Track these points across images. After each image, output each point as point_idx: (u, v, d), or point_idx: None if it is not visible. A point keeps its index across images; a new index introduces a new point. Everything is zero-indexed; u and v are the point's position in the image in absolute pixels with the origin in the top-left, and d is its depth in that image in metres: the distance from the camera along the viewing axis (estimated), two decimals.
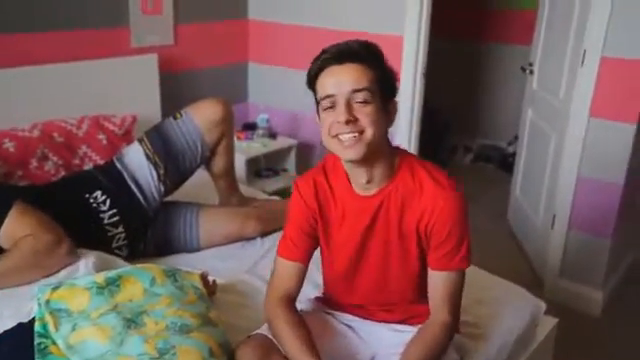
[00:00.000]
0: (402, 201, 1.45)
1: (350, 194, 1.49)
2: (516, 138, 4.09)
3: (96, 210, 2.15)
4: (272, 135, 3.54)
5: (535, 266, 3.22)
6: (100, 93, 2.92)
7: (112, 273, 1.63)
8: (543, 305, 2.06)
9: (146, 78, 3.12)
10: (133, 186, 2.24)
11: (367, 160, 1.39)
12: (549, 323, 2.11)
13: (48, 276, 1.84)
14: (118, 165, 2.30)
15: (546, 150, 3.13)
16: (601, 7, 2.54)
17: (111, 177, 2.25)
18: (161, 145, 2.30)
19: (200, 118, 2.33)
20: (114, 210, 2.17)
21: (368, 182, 1.45)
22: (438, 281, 1.46)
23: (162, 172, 2.27)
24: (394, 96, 1.44)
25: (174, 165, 2.31)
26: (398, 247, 1.49)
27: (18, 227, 1.87)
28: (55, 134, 2.65)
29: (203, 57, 3.51)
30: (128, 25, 3.07)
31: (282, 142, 3.55)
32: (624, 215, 2.86)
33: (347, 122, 1.33)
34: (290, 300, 1.54)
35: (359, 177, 1.45)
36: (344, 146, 1.36)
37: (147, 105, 3.13)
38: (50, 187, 2.29)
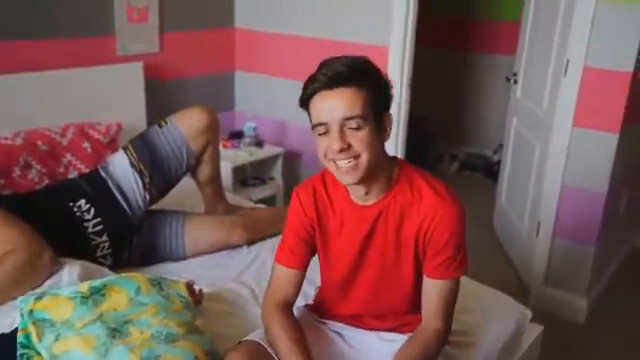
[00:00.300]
0: (401, 211, 1.45)
1: (349, 204, 1.50)
2: (501, 146, 4.13)
3: (80, 219, 2.13)
4: (259, 143, 3.54)
5: (520, 274, 3.24)
6: (85, 101, 2.90)
7: (96, 282, 1.62)
8: (529, 313, 2.07)
9: (131, 86, 3.11)
10: (118, 194, 2.23)
11: (364, 180, 1.40)
12: (535, 330, 2.12)
13: (33, 288, 1.81)
14: (103, 173, 2.28)
15: (531, 159, 3.16)
16: (583, 18, 2.57)
17: (95, 185, 2.24)
18: (146, 153, 2.29)
19: (185, 126, 2.33)
20: (98, 219, 2.16)
21: (366, 194, 1.45)
22: (433, 289, 1.47)
23: (147, 180, 2.26)
24: (389, 108, 1.43)
25: (159, 173, 2.29)
26: (394, 257, 1.50)
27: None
28: (39, 142, 2.63)
29: (189, 65, 3.50)
30: (114, 33, 3.06)
31: (269, 150, 3.55)
32: (607, 223, 2.89)
33: (341, 150, 1.33)
34: (287, 306, 1.54)
35: (357, 190, 1.46)
36: (341, 172, 1.37)
37: (132, 113, 3.12)
38: (33, 196, 2.26)
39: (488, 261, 3.35)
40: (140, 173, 2.25)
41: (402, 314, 1.59)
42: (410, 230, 1.45)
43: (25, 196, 2.26)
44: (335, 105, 1.32)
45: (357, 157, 1.35)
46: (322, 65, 1.37)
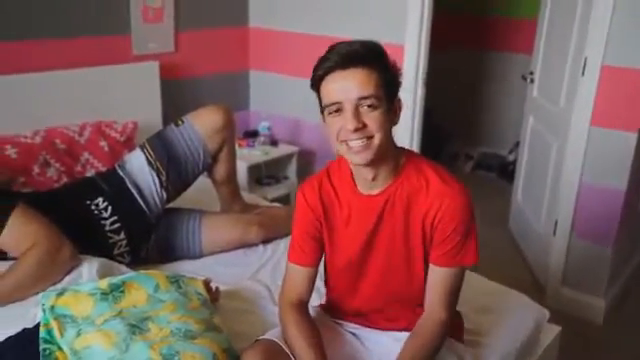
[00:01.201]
0: (408, 198, 1.45)
1: (355, 194, 1.50)
2: (517, 145, 4.11)
3: (97, 217, 2.16)
4: (273, 142, 3.55)
5: (537, 274, 3.22)
6: (102, 100, 2.92)
7: (115, 279, 1.63)
8: (547, 313, 2.06)
9: (147, 85, 3.13)
10: (135, 193, 2.25)
11: (374, 161, 1.39)
12: (552, 331, 2.11)
13: (54, 284, 1.84)
14: (120, 172, 2.30)
15: (547, 157, 3.14)
16: (602, 15, 2.55)
17: (113, 184, 2.26)
18: (163, 152, 2.31)
19: (201, 125, 2.34)
20: (115, 217, 2.18)
21: (373, 179, 1.45)
22: (437, 277, 1.47)
23: (164, 179, 2.28)
24: (397, 93, 1.43)
25: (176, 172, 2.31)
26: (403, 246, 1.49)
27: (19, 233, 1.88)
28: (57, 141, 2.66)
29: (204, 64, 3.52)
30: (129, 33, 3.09)
31: (283, 149, 3.56)
32: (626, 223, 2.87)
33: (356, 130, 1.33)
34: (302, 304, 1.55)
35: (365, 174, 1.45)
36: (353, 151, 1.37)
37: (148, 112, 3.14)
38: (51, 194, 2.29)
39: (504, 261, 3.34)
40: (157, 171, 2.27)
41: (413, 312, 1.58)
42: (417, 217, 1.45)
43: (44, 195, 2.28)
44: (350, 85, 1.31)
45: (370, 137, 1.35)
46: (332, 47, 1.37)
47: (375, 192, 1.47)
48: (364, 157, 1.36)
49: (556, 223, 2.96)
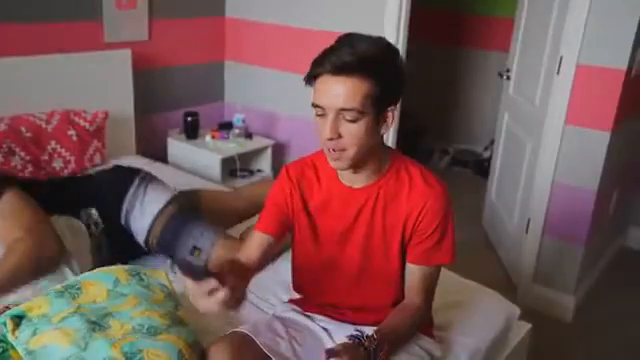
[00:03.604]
0: (390, 197, 1.46)
1: (337, 184, 1.50)
2: (492, 143, 4.12)
3: (86, 224, 2.09)
4: (248, 135, 3.52)
5: (509, 271, 3.24)
6: (71, 88, 2.88)
7: (70, 280, 1.59)
8: (517, 310, 2.06)
9: (119, 74, 3.09)
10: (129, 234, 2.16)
11: (351, 167, 1.40)
12: (523, 328, 2.11)
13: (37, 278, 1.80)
14: (123, 216, 2.16)
15: (522, 155, 3.15)
16: (578, 15, 2.56)
17: (112, 215, 2.15)
18: (167, 242, 2.12)
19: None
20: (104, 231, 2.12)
21: (355, 173, 1.45)
22: (415, 274, 1.49)
23: (152, 247, 2.16)
24: (396, 102, 1.39)
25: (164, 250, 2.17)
26: (380, 242, 1.50)
27: (5, 220, 1.87)
28: (23, 129, 2.61)
29: (178, 54, 3.49)
30: (101, 19, 3.03)
31: (258, 142, 3.52)
32: (597, 222, 2.89)
33: (330, 139, 1.32)
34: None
35: (345, 172, 1.46)
36: (330, 157, 1.38)
37: (120, 101, 3.11)
38: (52, 186, 2.25)
39: (476, 258, 3.34)
40: (147, 243, 2.14)
41: (385, 307, 1.58)
42: (398, 216, 1.46)
43: (45, 184, 2.26)
44: (335, 93, 1.29)
45: (343, 150, 1.34)
46: (343, 37, 1.35)
47: (357, 186, 1.48)
48: (338, 165, 1.39)
49: (529, 221, 2.97)
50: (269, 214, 1.57)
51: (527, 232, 2.98)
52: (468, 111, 5.12)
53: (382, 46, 1.34)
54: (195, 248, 2.07)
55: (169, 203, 2.14)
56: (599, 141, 2.66)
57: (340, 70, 1.28)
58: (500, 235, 3.47)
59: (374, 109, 1.33)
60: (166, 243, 2.09)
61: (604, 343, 2.76)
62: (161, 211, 2.11)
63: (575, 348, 2.70)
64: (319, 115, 1.35)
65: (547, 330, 2.72)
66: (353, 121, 1.31)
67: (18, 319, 1.43)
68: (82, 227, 2.04)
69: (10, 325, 1.41)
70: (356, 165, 1.40)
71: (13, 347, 1.39)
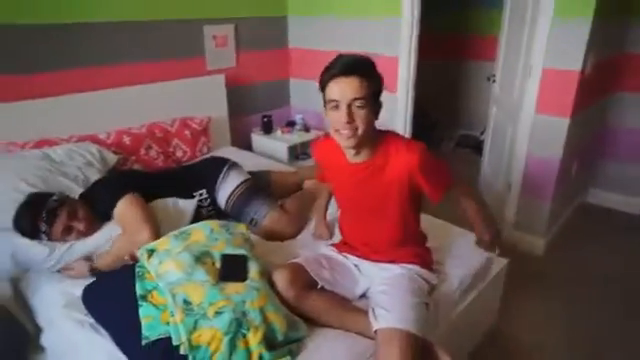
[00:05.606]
0: (383, 165, 1.44)
1: (344, 161, 1.50)
2: (485, 129, 3.97)
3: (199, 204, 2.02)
4: (306, 129, 3.53)
5: (497, 221, 3.14)
6: (186, 102, 2.94)
7: (183, 228, 1.63)
8: (496, 249, 2.02)
9: (217, 90, 3.13)
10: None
11: (358, 145, 1.40)
12: (501, 262, 2.08)
13: None
14: (216, 189, 2.09)
15: (505, 137, 3.03)
16: (542, 32, 2.43)
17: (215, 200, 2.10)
18: (237, 209, 2.06)
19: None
20: (212, 210, 2.08)
21: (357, 154, 1.45)
22: (444, 194, 1.46)
23: (228, 211, 2.08)
24: (379, 96, 1.39)
25: (235, 215, 2.07)
26: (381, 199, 1.49)
27: (124, 214, 1.76)
28: (156, 131, 2.70)
29: (257, 75, 3.50)
30: (204, 55, 3.09)
31: (313, 134, 3.52)
32: (560, 183, 2.76)
33: (347, 122, 1.32)
34: None
35: (350, 152, 1.45)
36: (343, 137, 1.37)
37: (218, 109, 3.14)
38: (169, 174, 2.18)
39: None
40: (225, 207, 2.08)
41: (394, 247, 1.58)
42: (393, 174, 1.43)
43: (159, 174, 2.17)
44: (346, 87, 1.30)
45: (356, 129, 1.34)
46: (339, 57, 1.35)
47: (359, 161, 1.47)
48: (351, 142, 1.37)
49: (510, 184, 2.87)
50: (321, 175, 1.70)
51: (509, 192, 2.89)
52: (468, 106, 4.93)
53: (369, 60, 1.36)
54: (252, 219, 2.02)
55: (243, 183, 2.09)
56: (561, 125, 2.53)
57: (348, 71, 1.30)
58: (490, 195, 3.37)
59: (372, 99, 1.34)
60: (236, 210, 2.05)
61: (564, 272, 2.66)
62: (237, 186, 2.07)
63: (544, 277, 2.62)
64: (333, 107, 1.34)
65: (523, 263, 2.64)
66: (362, 107, 1.31)
67: (150, 252, 1.50)
68: (187, 206, 1.93)
69: (145, 255, 1.48)
70: (360, 144, 1.39)
71: (148, 271, 1.47)
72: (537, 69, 2.52)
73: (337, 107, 1.33)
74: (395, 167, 1.42)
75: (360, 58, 1.34)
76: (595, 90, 2.82)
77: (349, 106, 1.31)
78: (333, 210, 1.94)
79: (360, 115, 1.32)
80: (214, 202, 2.08)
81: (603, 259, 2.77)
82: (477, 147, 4.58)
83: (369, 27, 3.13)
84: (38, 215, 1.70)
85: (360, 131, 1.34)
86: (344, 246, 1.69)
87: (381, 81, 1.38)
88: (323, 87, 1.36)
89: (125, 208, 1.75)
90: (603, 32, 2.54)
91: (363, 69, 1.32)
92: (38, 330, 1.60)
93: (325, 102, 1.38)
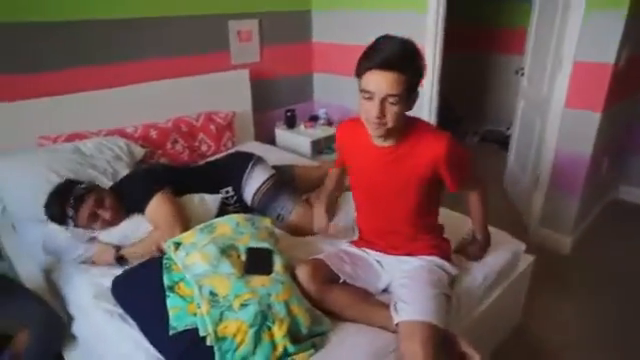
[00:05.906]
0: (409, 152, 1.42)
1: (371, 144, 1.47)
2: (512, 124, 3.88)
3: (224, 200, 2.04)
4: (329, 123, 3.52)
5: (523, 217, 3.08)
6: (211, 97, 2.96)
7: (208, 222, 1.64)
8: (523, 246, 1.98)
9: (242, 85, 3.14)
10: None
11: (384, 136, 1.39)
12: (528, 259, 2.04)
13: None
14: (242, 183, 2.10)
15: (533, 131, 2.95)
16: (574, 23, 2.35)
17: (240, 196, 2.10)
18: (263, 205, 2.07)
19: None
20: (237, 205, 2.09)
21: (384, 140, 1.43)
22: (459, 185, 1.48)
23: (255, 206, 2.09)
24: (417, 88, 1.35)
25: (261, 209, 2.09)
26: (402, 185, 1.46)
27: (156, 212, 1.77)
28: (182, 125, 2.72)
29: (280, 69, 3.50)
30: (229, 50, 3.11)
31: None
32: (590, 180, 2.67)
33: (377, 117, 1.31)
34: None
35: (377, 137, 1.44)
36: (371, 127, 1.36)
37: (242, 104, 3.15)
38: (198, 170, 2.18)
39: (498, 208, 3.20)
40: (252, 202, 2.09)
41: (411, 238, 1.56)
42: (419, 163, 1.41)
43: (186, 170, 2.16)
44: (382, 82, 1.26)
45: (385, 124, 1.32)
46: (381, 42, 1.29)
47: (386, 145, 1.44)
48: (378, 133, 1.36)
49: (537, 179, 2.80)
50: (339, 158, 1.70)
51: (536, 188, 2.82)
52: (494, 100, 4.82)
53: (412, 48, 1.30)
54: (279, 215, 2.02)
55: (269, 178, 2.09)
56: (592, 119, 2.45)
57: (386, 66, 1.25)
58: (516, 190, 3.30)
59: (407, 94, 1.30)
60: (262, 205, 2.06)
61: (590, 271, 2.58)
62: (264, 182, 2.08)
63: (570, 276, 2.55)
64: (366, 98, 1.31)
65: (549, 261, 2.58)
66: (395, 104, 1.29)
67: (177, 244, 1.52)
68: (213, 201, 1.93)
69: (172, 248, 1.50)
70: (388, 134, 1.38)
71: (175, 262, 1.49)
72: (568, 62, 2.44)
73: (370, 99, 1.30)
74: (421, 155, 1.40)
75: (402, 50, 1.26)
76: (628, 85, 2.72)
77: (382, 100, 1.29)
78: (351, 210, 1.91)
79: (391, 111, 1.30)
80: (240, 199, 2.09)
81: (632, 258, 2.67)
82: (503, 142, 4.48)
83: (394, 20, 3.09)
84: (66, 201, 1.74)
85: (390, 125, 1.33)
86: (363, 242, 1.69)
87: (422, 70, 1.31)
88: (360, 74, 1.31)
89: (158, 206, 1.77)
90: (638, 25, 2.43)
91: (403, 64, 1.25)
92: (70, 319, 1.66)
93: (360, 89, 1.34)
